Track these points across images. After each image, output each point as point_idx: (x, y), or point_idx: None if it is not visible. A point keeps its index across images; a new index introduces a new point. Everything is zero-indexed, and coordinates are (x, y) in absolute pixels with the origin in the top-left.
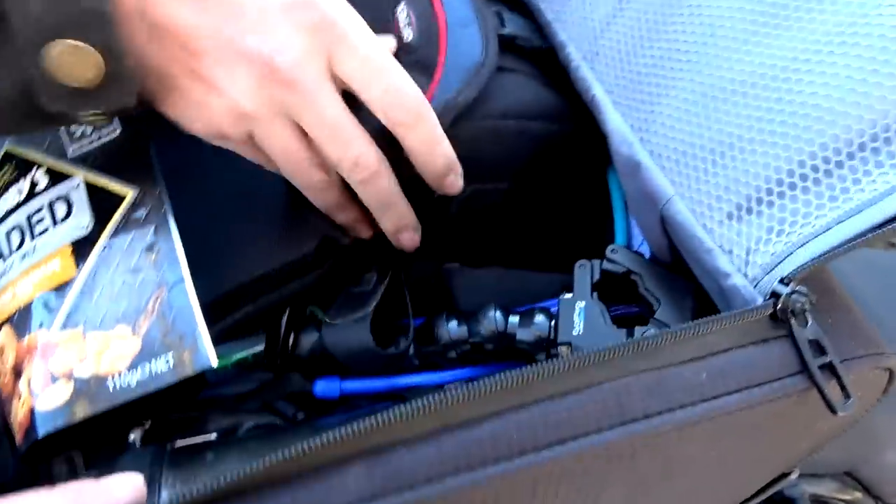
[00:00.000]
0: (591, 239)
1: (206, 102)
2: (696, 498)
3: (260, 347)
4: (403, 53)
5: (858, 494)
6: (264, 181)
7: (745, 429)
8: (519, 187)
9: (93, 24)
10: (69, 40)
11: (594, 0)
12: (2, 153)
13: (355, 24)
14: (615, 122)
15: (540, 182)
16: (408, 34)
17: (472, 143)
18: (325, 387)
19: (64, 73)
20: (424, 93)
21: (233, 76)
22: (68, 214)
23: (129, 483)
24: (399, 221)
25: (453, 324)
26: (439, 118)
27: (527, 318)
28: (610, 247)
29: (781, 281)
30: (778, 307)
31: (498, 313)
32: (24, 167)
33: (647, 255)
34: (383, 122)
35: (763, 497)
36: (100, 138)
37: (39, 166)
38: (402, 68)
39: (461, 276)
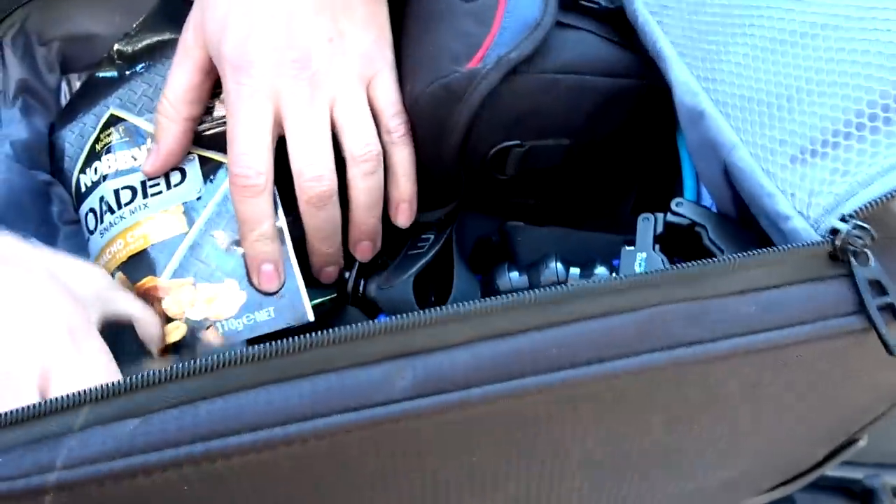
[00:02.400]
0: (655, 198)
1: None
2: (748, 447)
3: (334, 293)
4: (463, 1)
5: None
6: None
7: (797, 371)
8: (581, 144)
9: None
10: None
11: None
12: (107, 116)
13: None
14: (681, 73)
15: (603, 139)
16: None
17: (529, 97)
18: None
19: None
20: (479, 46)
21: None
22: (182, 181)
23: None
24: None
25: (514, 274)
26: (492, 73)
27: (587, 269)
28: (675, 200)
29: (842, 219)
30: (837, 245)
31: (559, 264)
32: (133, 132)
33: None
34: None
35: (831, 465)
36: (214, 122)
37: (151, 135)
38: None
39: (523, 233)
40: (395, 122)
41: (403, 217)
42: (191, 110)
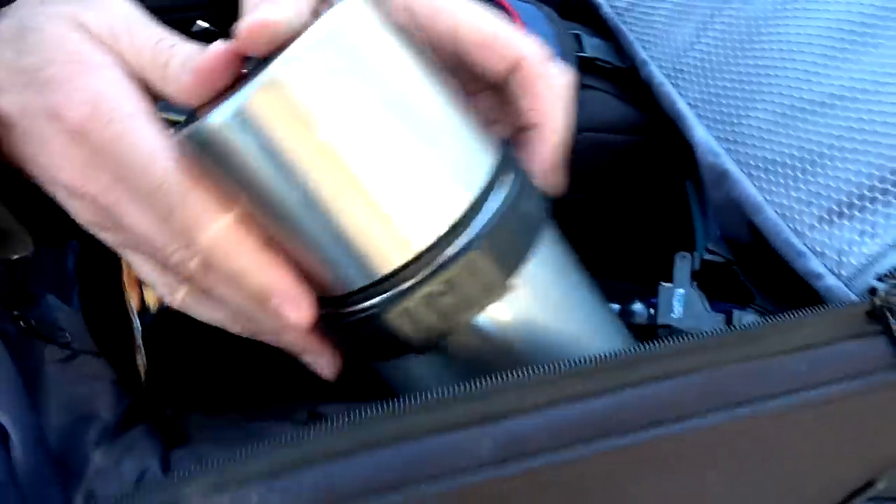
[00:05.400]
0: (668, 248)
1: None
2: (790, 492)
3: None
4: None
5: None
6: None
7: (842, 421)
8: (596, 198)
9: None
10: None
11: (679, 22)
12: None
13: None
14: (700, 133)
15: (617, 193)
16: None
17: None
18: None
19: None
20: None
21: None
22: None
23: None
24: None
25: None
26: None
27: (626, 304)
28: (710, 240)
29: (878, 278)
30: (875, 303)
31: None
32: None
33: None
34: None
35: None
36: None
37: None
38: None
39: None
40: None
41: None
42: None
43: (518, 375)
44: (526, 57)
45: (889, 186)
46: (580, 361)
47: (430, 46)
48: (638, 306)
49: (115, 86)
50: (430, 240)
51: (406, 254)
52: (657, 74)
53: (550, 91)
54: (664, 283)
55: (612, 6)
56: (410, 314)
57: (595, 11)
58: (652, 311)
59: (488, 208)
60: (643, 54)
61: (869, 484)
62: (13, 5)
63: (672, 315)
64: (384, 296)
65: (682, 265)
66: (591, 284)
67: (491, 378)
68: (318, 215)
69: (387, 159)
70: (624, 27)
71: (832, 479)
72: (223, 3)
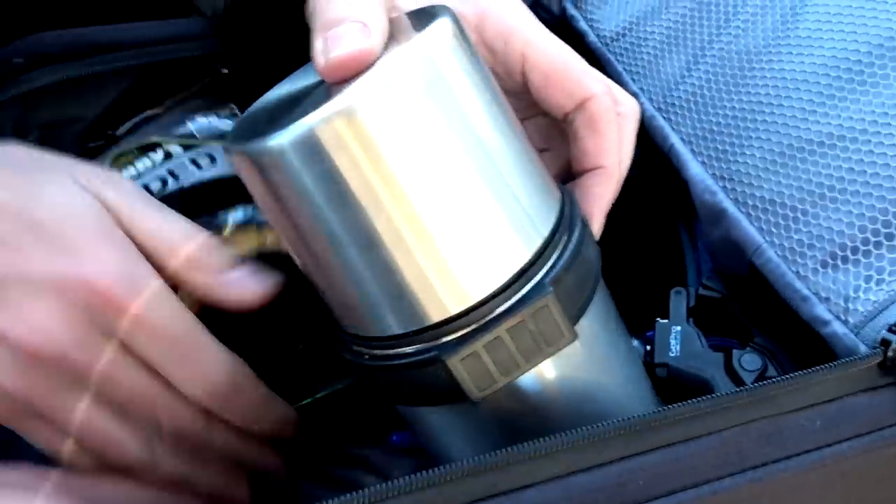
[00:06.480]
0: (660, 283)
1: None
2: None
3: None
4: None
5: None
6: None
7: (855, 476)
8: None
9: None
10: None
11: (668, 53)
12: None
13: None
14: (696, 170)
15: (608, 227)
16: None
17: None
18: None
19: None
20: None
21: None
22: (212, 163)
23: None
24: None
25: None
26: None
27: None
28: (705, 275)
29: (891, 329)
30: (888, 356)
31: None
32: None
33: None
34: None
35: None
36: None
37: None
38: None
39: None
40: None
41: None
42: None
43: (535, 444)
44: (595, 96)
45: (893, 231)
46: (600, 427)
47: (496, 69)
48: (635, 343)
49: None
50: (497, 285)
51: (470, 298)
52: (648, 108)
53: (616, 134)
54: (660, 320)
55: (598, 35)
56: (472, 360)
57: (581, 40)
58: (648, 347)
59: (555, 255)
60: (633, 86)
61: None
62: None
63: (670, 354)
64: (445, 339)
65: (678, 301)
66: (627, 335)
67: (506, 449)
68: (379, 253)
69: (464, 202)
70: (611, 57)
71: None
72: (225, 34)
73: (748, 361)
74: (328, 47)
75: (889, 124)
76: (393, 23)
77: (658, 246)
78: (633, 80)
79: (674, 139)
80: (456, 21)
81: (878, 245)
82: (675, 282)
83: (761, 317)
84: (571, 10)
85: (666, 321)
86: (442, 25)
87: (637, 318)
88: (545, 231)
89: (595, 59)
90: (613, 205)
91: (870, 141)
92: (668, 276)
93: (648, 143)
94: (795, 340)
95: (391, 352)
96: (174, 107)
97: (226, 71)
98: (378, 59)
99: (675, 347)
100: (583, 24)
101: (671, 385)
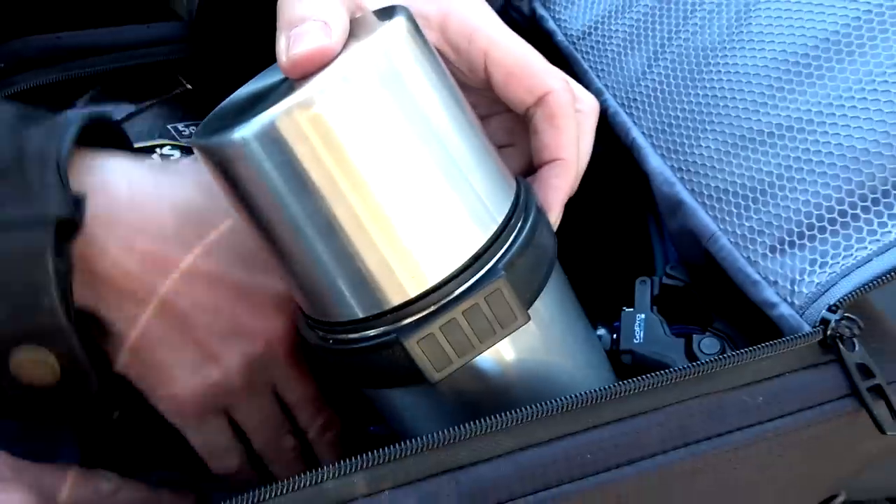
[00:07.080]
0: (630, 273)
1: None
2: None
3: None
4: None
5: None
6: None
7: (796, 450)
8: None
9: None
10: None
11: (631, 50)
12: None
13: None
14: (655, 163)
15: (576, 220)
16: None
17: None
18: None
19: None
20: None
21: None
22: None
23: None
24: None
25: None
26: None
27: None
28: (669, 264)
29: (829, 309)
30: (828, 333)
31: None
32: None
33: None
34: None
35: None
36: None
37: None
38: None
39: None
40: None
41: None
42: None
43: (487, 421)
44: (554, 91)
45: (836, 216)
46: (550, 404)
47: (460, 66)
48: (602, 332)
49: None
50: (452, 269)
51: (427, 282)
52: (612, 103)
53: (575, 128)
54: (626, 309)
55: (565, 34)
56: (428, 342)
57: (549, 39)
58: (615, 335)
59: (509, 240)
60: (598, 83)
61: (831, 497)
62: None
63: (634, 340)
64: (403, 322)
65: (643, 290)
66: (586, 320)
67: (459, 427)
68: (339, 240)
69: (421, 189)
70: (578, 55)
71: (791, 500)
72: (196, 39)
73: (707, 346)
74: (290, 45)
75: (833, 114)
76: (356, 21)
77: (628, 237)
78: (598, 77)
79: (635, 133)
80: (411, 19)
81: (822, 230)
82: (644, 272)
83: (719, 302)
84: (541, 10)
85: (631, 310)
86: (397, 23)
87: (608, 308)
88: (500, 218)
89: (562, 57)
90: (584, 198)
91: (815, 131)
92: (639, 266)
93: (614, 137)
94: (751, 324)
95: (354, 336)
96: (147, 109)
97: (189, 87)
98: (338, 55)
99: (639, 334)
100: (551, 24)
101: (637, 371)
